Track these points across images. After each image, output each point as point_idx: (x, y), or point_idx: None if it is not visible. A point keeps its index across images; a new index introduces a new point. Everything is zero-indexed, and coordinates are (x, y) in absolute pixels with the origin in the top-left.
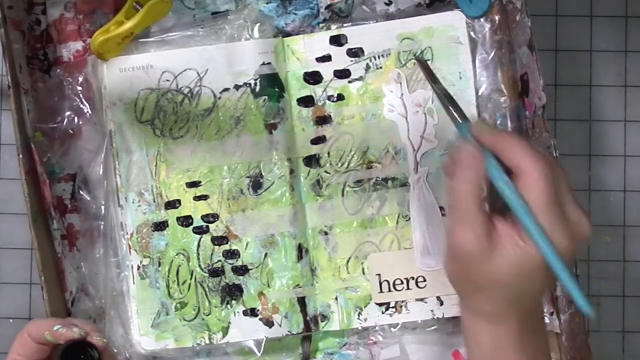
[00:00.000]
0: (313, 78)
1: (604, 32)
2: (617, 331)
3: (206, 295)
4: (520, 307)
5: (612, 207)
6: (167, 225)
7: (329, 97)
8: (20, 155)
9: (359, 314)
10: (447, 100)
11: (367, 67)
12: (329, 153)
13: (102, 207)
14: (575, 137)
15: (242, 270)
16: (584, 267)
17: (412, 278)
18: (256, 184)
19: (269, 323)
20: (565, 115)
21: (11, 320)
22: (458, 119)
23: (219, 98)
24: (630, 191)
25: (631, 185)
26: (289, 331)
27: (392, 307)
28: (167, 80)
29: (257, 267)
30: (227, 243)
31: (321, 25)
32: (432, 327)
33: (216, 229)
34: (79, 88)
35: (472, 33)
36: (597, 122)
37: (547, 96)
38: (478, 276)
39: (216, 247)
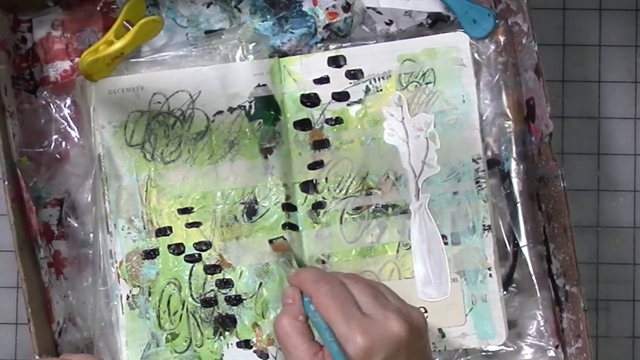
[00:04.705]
0: (310, 100)
1: (613, 26)
2: (626, 337)
3: (198, 326)
4: None
5: (621, 208)
6: (158, 254)
7: (327, 121)
8: (6, 182)
9: None
10: None
11: (367, 90)
12: (326, 179)
13: (91, 234)
14: (584, 135)
15: (235, 301)
16: (592, 271)
17: None
18: (251, 211)
19: (263, 355)
20: (573, 112)
21: None
22: None
23: (213, 121)
24: None
25: None
26: None
27: None
28: (159, 102)
29: (251, 297)
30: (220, 272)
31: (319, 45)
32: None
33: (209, 257)
34: (67, 110)
35: (476, 54)
36: (606, 119)
37: (553, 96)
38: None
39: (209, 276)
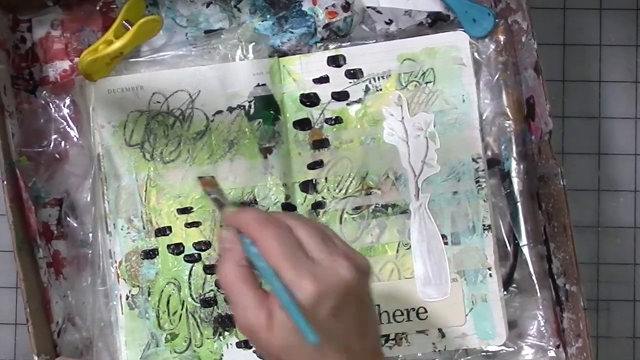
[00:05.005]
0: (310, 100)
1: (613, 25)
2: (627, 337)
3: (198, 326)
4: None
5: (622, 208)
6: (157, 253)
7: (327, 120)
8: (5, 182)
9: None
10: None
11: (367, 89)
12: (326, 178)
13: (90, 234)
14: (584, 135)
15: None
16: (593, 271)
17: (413, 309)
18: None
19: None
20: (573, 112)
21: None
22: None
23: (212, 121)
24: None
25: None
26: None
27: (392, 340)
28: (158, 102)
29: None
30: None
31: (319, 44)
32: None
33: (208, 257)
34: (66, 110)
35: (476, 54)
36: (607, 119)
37: (554, 96)
38: (272, 348)
39: (208, 276)
